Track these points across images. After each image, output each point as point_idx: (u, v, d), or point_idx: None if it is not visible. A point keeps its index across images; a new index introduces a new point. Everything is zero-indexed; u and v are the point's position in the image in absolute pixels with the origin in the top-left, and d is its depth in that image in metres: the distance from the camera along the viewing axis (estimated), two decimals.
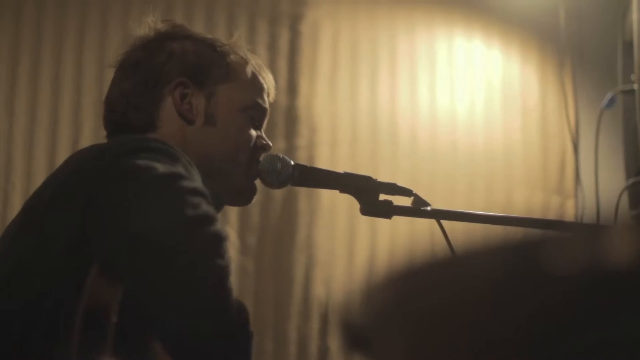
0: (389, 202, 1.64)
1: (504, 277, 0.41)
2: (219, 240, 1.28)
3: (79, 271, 1.29)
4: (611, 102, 3.19)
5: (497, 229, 1.60)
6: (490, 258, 0.42)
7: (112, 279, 1.28)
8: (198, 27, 3.21)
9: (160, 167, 1.32)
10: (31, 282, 1.34)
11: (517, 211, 3.15)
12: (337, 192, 1.68)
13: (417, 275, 0.45)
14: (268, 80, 1.71)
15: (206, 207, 1.29)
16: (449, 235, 1.61)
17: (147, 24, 1.66)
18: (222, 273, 1.26)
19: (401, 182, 1.66)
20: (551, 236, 0.41)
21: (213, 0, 3.36)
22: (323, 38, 3.39)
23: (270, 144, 1.69)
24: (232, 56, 1.66)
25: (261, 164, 1.65)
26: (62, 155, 3.12)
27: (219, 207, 1.53)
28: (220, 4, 3.36)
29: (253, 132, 1.65)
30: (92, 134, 3.17)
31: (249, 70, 1.67)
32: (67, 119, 3.24)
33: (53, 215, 1.36)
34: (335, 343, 3.16)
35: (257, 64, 1.70)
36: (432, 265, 0.44)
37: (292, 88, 3.32)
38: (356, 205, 1.65)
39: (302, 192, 3.23)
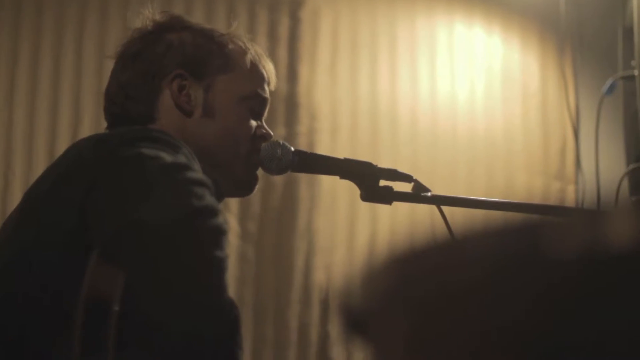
0: (390, 188, 1.64)
1: (504, 261, 0.41)
2: (220, 232, 1.28)
3: (79, 261, 1.28)
4: (611, 88, 3.19)
5: (497, 215, 1.60)
6: (490, 242, 0.42)
7: (113, 265, 1.28)
8: (198, 15, 3.20)
9: (166, 157, 1.32)
10: (30, 273, 1.33)
11: (518, 197, 3.15)
12: (337, 178, 1.68)
13: (417, 259, 0.45)
14: (268, 69, 1.70)
15: (210, 199, 1.29)
16: (450, 221, 1.61)
17: (145, 16, 1.65)
18: (220, 266, 1.26)
19: (401, 168, 1.66)
20: (551, 220, 0.41)
21: None
22: (323, 25, 3.38)
23: (271, 132, 1.68)
24: (230, 46, 1.65)
25: (261, 151, 1.64)
26: (62, 144, 3.12)
27: (219, 198, 1.52)
28: None
29: (252, 123, 1.64)
30: (92, 123, 3.17)
31: (248, 59, 1.66)
32: (67, 109, 3.24)
33: (52, 205, 1.36)
34: (335, 329, 3.16)
35: (257, 53, 1.69)
36: (432, 249, 0.45)
37: (292, 75, 3.32)
38: (356, 191, 1.65)
39: (303, 178, 3.23)
